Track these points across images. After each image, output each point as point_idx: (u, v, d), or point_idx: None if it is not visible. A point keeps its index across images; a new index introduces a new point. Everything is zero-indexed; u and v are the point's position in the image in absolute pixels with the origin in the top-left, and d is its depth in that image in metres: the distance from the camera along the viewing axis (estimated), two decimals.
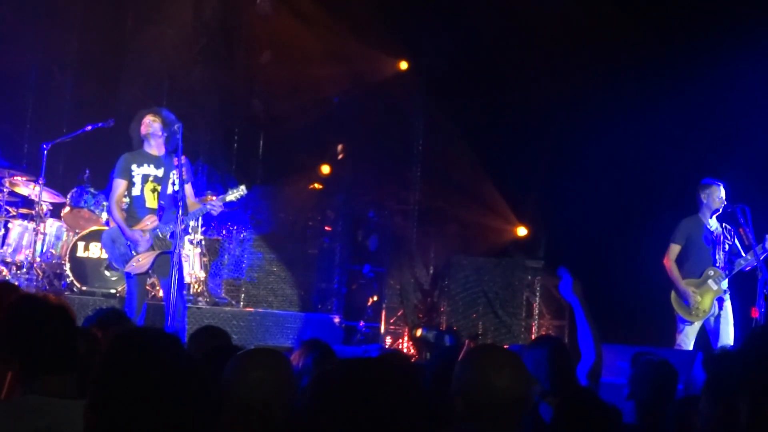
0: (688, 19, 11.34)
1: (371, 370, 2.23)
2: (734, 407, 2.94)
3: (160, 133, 7.93)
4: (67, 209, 10.57)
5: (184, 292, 8.52)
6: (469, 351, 3.14)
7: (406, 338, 12.21)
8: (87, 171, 10.76)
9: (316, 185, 13.43)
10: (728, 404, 3.03)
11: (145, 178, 7.97)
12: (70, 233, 10.44)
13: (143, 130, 7.98)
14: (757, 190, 9.70)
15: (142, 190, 7.96)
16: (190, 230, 10.06)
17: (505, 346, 9.41)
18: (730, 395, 3.04)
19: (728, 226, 9.04)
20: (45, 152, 10.02)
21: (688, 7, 11.29)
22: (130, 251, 7.81)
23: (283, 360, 3.38)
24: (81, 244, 10.14)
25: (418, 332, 11.75)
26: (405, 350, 11.72)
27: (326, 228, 12.80)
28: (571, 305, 5.00)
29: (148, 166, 7.98)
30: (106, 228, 10.04)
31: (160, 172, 7.98)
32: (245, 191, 8.21)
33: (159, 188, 7.99)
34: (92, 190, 10.60)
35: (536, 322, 12.43)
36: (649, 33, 11.51)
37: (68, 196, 10.61)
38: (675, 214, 9.46)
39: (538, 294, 12.49)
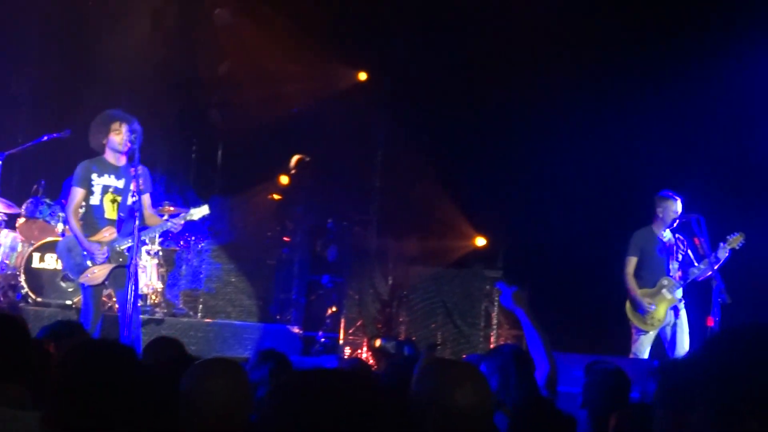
0: (644, 37, 11.48)
1: (330, 381, 2.23)
2: (688, 418, 2.94)
3: (129, 146, 7.76)
4: (22, 220, 10.46)
5: (139, 304, 8.44)
6: (430, 366, 3.11)
7: (365, 348, 12.20)
8: (42, 182, 10.64)
9: (275, 196, 13.41)
10: (682, 415, 3.04)
11: (105, 189, 7.83)
12: (25, 244, 10.32)
13: (116, 138, 7.76)
14: (712, 201, 9.83)
15: (101, 200, 7.83)
16: (147, 241, 9.98)
17: (464, 356, 9.46)
18: (683, 405, 3.05)
19: (681, 237, 9.13)
20: (0, 163, 9.93)
21: (645, 26, 11.43)
22: (85, 262, 7.72)
23: (240, 369, 3.37)
24: (36, 255, 10.03)
25: (377, 342, 11.73)
26: (364, 360, 11.71)
27: (285, 238, 12.78)
28: (516, 316, 4.99)
29: (109, 176, 7.84)
30: (62, 239, 9.97)
31: (120, 183, 7.84)
32: (208, 211, 8.16)
33: (119, 199, 7.84)
34: (48, 201, 10.49)
35: (495, 331, 12.47)
36: (605, 50, 11.63)
37: (23, 207, 10.49)
38: (630, 225, 9.55)
39: (496, 304, 12.53)
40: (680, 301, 9.02)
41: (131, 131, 7.77)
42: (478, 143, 12.78)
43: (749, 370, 1.96)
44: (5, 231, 10.40)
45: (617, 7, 11.41)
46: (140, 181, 7.63)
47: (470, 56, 12.47)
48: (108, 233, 7.78)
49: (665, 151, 11.29)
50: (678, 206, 9.09)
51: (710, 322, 8.44)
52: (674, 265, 9.08)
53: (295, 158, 13.40)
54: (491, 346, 11.99)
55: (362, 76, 13.61)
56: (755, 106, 10.93)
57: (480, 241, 13.20)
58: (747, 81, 10.78)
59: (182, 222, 8.04)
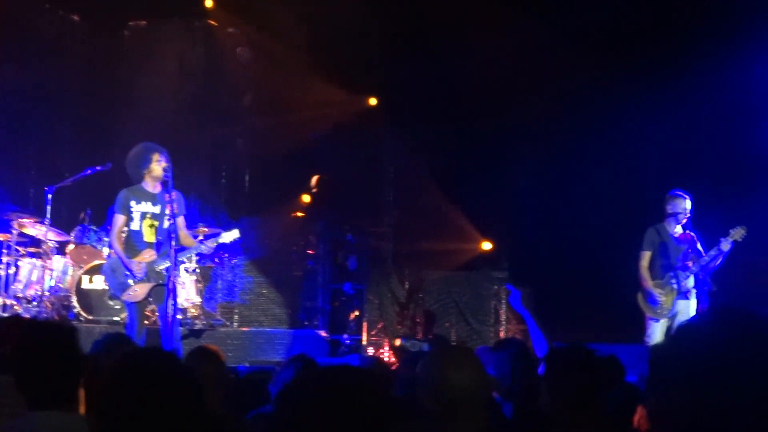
0: (644, 45, 11.38)
1: (336, 376, 2.25)
2: (671, 394, 2.92)
3: (167, 176, 7.68)
4: (71, 246, 10.51)
5: (179, 317, 8.43)
6: (432, 352, 3.14)
7: (386, 348, 12.18)
8: (88, 210, 10.71)
9: (299, 214, 13.43)
10: (666, 390, 3.01)
11: (143, 215, 7.81)
12: (76, 268, 10.37)
13: (158, 168, 7.73)
14: (701, 197, 9.79)
15: (140, 226, 7.81)
16: (185, 259, 9.99)
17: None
18: (667, 382, 3.02)
19: (691, 232, 9.04)
20: (49, 195, 9.97)
21: (647, 32, 11.31)
22: (128, 281, 7.73)
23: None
24: (86, 277, 10.08)
25: (398, 342, 11.73)
26: (386, 359, 11.68)
27: (309, 252, 12.76)
28: (522, 316, 5.02)
29: (146, 203, 7.82)
30: (106, 261, 10.00)
31: (157, 209, 7.81)
32: (238, 235, 8.15)
33: (156, 224, 7.82)
34: (94, 227, 10.55)
35: (504, 327, 12.43)
36: (608, 56, 11.47)
37: (72, 234, 10.55)
38: (624, 224, 9.49)
39: (504, 302, 12.50)
40: (689, 290, 8.92)
41: (167, 160, 7.79)
42: (480, 154, 12.77)
43: (724, 349, 1.95)
44: (57, 257, 10.46)
45: (618, 15, 11.25)
46: (174, 206, 7.63)
47: (470, 75, 12.46)
48: (148, 255, 7.78)
49: (659, 154, 11.20)
50: (687, 204, 8.99)
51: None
52: (683, 258, 8.99)
53: (314, 178, 13.43)
54: None
55: (372, 101, 13.65)
56: (749, 109, 10.82)
57: (486, 245, 13.17)
58: (740, 85, 10.64)
59: (214, 245, 8.04)
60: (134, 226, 7.83)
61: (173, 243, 7.35)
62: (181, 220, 7.91)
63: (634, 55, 11.38)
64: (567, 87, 11.65)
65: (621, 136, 11.36)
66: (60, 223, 10.77)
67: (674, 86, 11.03)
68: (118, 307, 9.95)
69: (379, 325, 12.51)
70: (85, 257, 10.44)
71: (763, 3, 10.54)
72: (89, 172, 10.16)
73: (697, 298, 8.53)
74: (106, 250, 10.36)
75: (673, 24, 11.15)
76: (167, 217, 7.71)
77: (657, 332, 8.92)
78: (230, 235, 8.09)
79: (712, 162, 10.96)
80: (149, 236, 7.85)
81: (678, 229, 9.05)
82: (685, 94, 11.03)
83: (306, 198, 13.47)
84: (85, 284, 10.07)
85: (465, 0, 12.25)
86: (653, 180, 9.73)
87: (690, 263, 8.90)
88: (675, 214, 8.99)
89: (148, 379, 2.24)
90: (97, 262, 10.15)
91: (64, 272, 10.46)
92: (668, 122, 11.26)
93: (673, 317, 8.90)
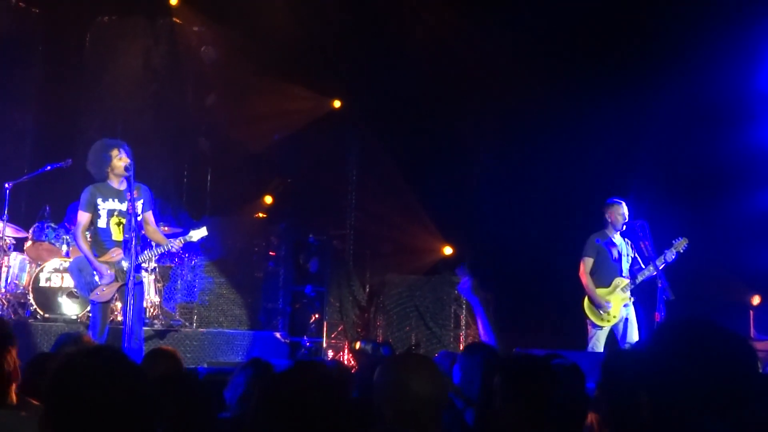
0: (593, 53, 11.47)
1: (294, 379, 2.25)
2: (633, 404, 2.95)
3: (128, 171, 7.57)
4: (29, 243, 10.35)
5: (143, 316, 8.34)
6: (390, 359, 3.14)
7: (346, 351, 12.16)
8: (47, 207, 10.55)
9: (261, 214, 13.40)
10: (626, 402, 3.03)
11: (110, 213, 7.68)
12: (33, 265, 10.23)
13: (119, 163, 7.58)
14: (659, 207, 9.89)
15: (108, 223, 7.68)
16: (145, 259, 9.89)
17: (437, 354, 9.43)
18: (627, 392, 3.04)
19: (629, 241, 9.17)
20: (7, 191, 9.82)
21: (603, 38, 11.39)
22: (95, 280, 7.63)
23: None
24: (43, 275, 9.94)
25: (357, 345, 11.69)
26: (346, 362, 11.67)
27: (271, 253, 12.73)
28: (470, 303, 5.03)
29: (113, 200, 7.69)
30: (67, 259, 9.87)
31: (124, 206, 7.65)
32: (206, 233, 8.07)
33: (124, 221, 7.67)
34: (53, 224, 10.40)
35: (464, 332, 12.47)
36: (560, 67, 11.59)
37: (30, 231, 10.40)
38: (583, 231, 9.56)
39: (464, 306, 12.54)
40: (630, 298, 9.06)
41: (128, 154, 7.68)
42: (442, 160, 12.82)
43: (685, 359, 1.97)
44: (14, 254, 10.30)
45: (566, 25, 11.33)
46: (138, 203, 7.54)
47: (433, 82, 12.51)
48: (115, 254, 7.67)
49: (614, 161, 11.32)
50: (624, 209, 9.13)
51: (657, 317, 8.48)
52: (625, 267, 9.12)
53: (277, 180, 13.42)
54: (460, 345, 11.99)
55: (336, 103, 13.65)
56: (703, 117, 10.94)
57: (447, 250, 13.21)
58: (694, 94, 10.75)
59: (181, 243, 7.98)
60: (101, 223, 7.69)
61: (134, 242, 7.25)
62: (149, 215, 7.84)
63: (594, 60, 11.49)
64: (529, 93, 11.73)
65: (582, 144, 11.44)
66: (18, 220, 10.61)
67: (632, 95, 11.15)
68: (75, 305, 9.83)
69: (340, 328, 12.51)
70: (42, 254, 10.29)
71: (717, 11, 10.68)
72: (48, 168, 10.02)
73: (657, 307, 8.61)
74: (64, 248, 10.24)
75: (628, 30, 11.26)
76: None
77: (601, 339, 9.02)
78: (198, 233, 8.03)
79: (665, 170, 11.10)
80: (117, 234, 7.71)
81: (618, 237, 9.17)
82: (644, 103, 11.16)
83: (268, 199, 13.45)
84: (43, 282, 9.91)
85: (427, 4, 12.32)
86: (614, 187, 9.82)
87: (629, 271, 9.03)
88: (615, 222, 9.11)
89: (92, 378, 2.20)
90: (55, 259, 10.02)
91: (22, 269, 10.31)
92: (625, 131, 11.38)
93: (616, 324, 9.02)
